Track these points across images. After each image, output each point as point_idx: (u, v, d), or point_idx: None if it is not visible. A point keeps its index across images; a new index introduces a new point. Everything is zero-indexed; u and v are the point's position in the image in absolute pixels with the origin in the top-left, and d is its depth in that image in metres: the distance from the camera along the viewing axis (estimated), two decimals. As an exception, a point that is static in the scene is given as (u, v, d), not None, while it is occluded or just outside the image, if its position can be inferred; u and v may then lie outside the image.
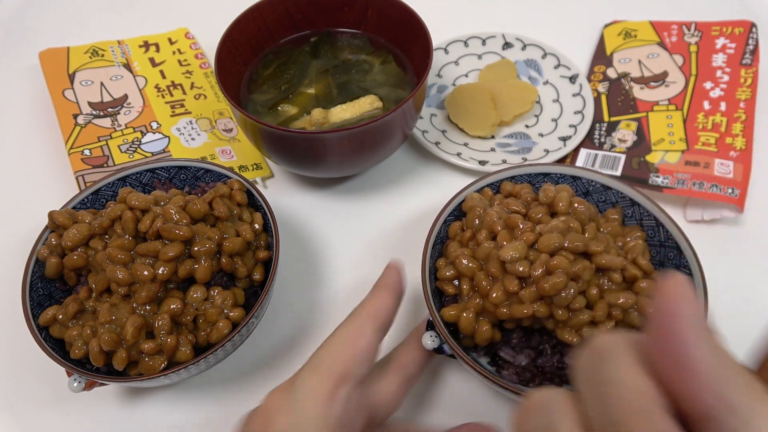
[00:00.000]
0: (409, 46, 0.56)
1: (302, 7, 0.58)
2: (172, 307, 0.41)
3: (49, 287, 0.45)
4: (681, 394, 0.21)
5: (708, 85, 0.62)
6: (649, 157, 0.57)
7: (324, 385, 0.35)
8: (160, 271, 0.41)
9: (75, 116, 0.60)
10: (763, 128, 0.59)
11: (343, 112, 0.53)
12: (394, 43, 0.58)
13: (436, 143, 0.58)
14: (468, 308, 0.42)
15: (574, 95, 0.62)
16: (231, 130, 0.62)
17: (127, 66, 0.65)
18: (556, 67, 0.65)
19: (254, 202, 0.48)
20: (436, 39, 0.67)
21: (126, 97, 0.63)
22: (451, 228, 0.46)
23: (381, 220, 0.56)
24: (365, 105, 0.54)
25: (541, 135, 0.60)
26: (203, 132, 0.60)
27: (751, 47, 0.64)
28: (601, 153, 0.58)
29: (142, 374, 0.40)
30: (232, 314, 0.42)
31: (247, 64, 0.57)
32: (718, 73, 0.63)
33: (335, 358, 0.36)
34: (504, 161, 0.57)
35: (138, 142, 0.59)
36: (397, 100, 0.55)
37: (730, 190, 0.53)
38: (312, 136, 0.46)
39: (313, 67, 0.58)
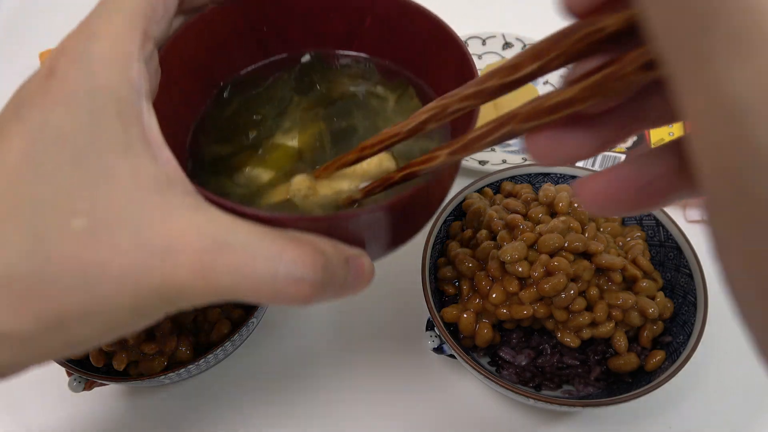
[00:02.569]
0: (433, 71, 0.38)
1: (270, 16, 0.37)
2: (172, 307, 0.41)
3: (49, 287, 0.45)
4: None
5: (708, 85, 0.62)
6: (649, 157, 0.57)
7: (126, 35, 0.27)
8: (160, 272, 0.41)
9: (75, 116, 0.60)
10: (763, 128, 0.59)
11: (338, 181, 0.36)
12: (405, 66, 0.40)
13: (436, 143, 0.59)
14: (468, 308, 0.42)
15: (574, 95, 0.62)
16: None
17: (127, 66, 0.65)
18: (556, 67, 0.65)
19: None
20: (436, 39, 0.67)
21: (126, 97, 0.63)
22: (451, 228, 0.46)
23: (381, 220, 0.56)
24: (371, 167, 0.36)
25: (541, 135, 0.60)
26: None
27: (751, 47, 0.64)
28: (601, 153, 0.58)
29: (142, 374, 0.40)
30: (232, 314, 0.42)
31: (193, 106, 0.37)
32: (718, 73, 0.63)
33: (131, 8, 0.28)
34: (504, 161, 0.57)
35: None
36: (422, 153, 0.33)
37: (730, 190, 0.54)
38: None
39: (295, 105, 0.39)
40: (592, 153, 0.24)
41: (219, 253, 0.25)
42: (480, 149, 0.26)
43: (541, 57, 0.22)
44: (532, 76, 0.23)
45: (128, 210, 0.25)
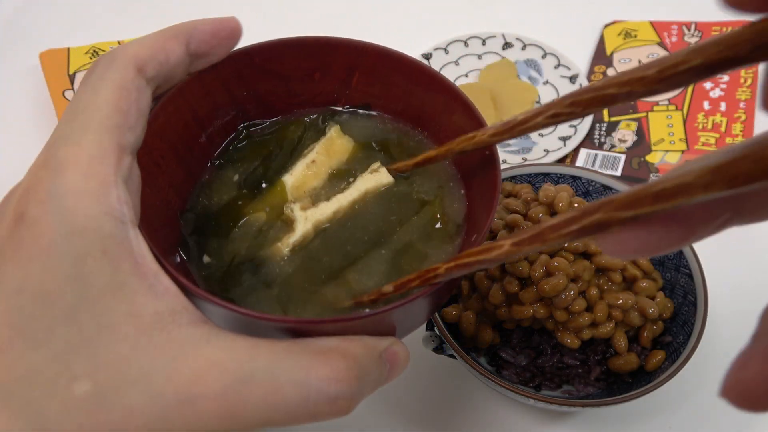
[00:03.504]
0: (433, 120, 0.35)
1: (248, 79, 0.35)
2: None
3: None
4: None
5: (708, 85, 0.62)
6: (649, 158, 0.57)
7: (99, 159, 0.24)
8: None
9: (75, 116, 0.60)
10: (763, 128, 0.59)
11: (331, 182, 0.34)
12: (401, 117, 0.37)
13: (436, 143, 0.59)
14: (468, 308, 0.42)
15: (574, 95, 0.62)
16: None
17: (127, 66, 0.65)
18: (556, 67, 0.65)
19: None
20: (437, 39, 0.67)
21: (126, 97, 0.63)
22: (451, 228, 0.46)
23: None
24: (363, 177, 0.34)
25: (541, 135, 0.60)
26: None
27: (751, 47, 0.64)
28: (601, 153, 0.58)
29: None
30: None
31: (177, 186, 0.33)
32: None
33: (101, 122, 0.25)
34: (504, 161, 0.57)
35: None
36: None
37: (730, 190, 0.54)
38: (297, 326, 0.27)
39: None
40: (674, 247, 0.20)
41: (243, 389, 0.23)
42: (556, 243, 0.22)
43: (704, 53, 0.18)
44: (693, 75, 0.18)
45: (134, 360, 0.22)
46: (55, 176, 0.23)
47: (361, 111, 0.37)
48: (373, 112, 0.37)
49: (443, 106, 0.34)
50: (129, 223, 0.24)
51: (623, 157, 0.57)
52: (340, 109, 0.37)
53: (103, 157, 0.24)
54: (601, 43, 0.68)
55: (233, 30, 0.31)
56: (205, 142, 0.35)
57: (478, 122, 0.32)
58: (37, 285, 0.22)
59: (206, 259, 0.32)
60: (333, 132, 0.36)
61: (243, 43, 0.33)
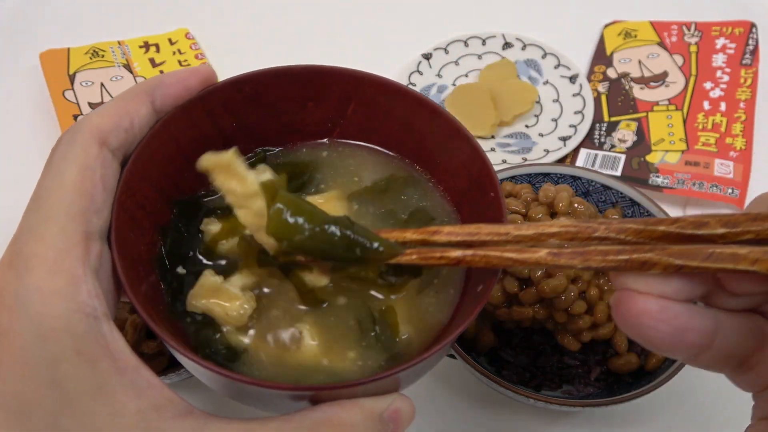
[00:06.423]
0: (431, 155, 0.35)
1: (237, 110, 0.33)
2: (172, 307, 0.41)
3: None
4: None
5: (708, 85, 0.62)
6: (649, 157, 0.57)
7: (65, 252, 0.23)
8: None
9: (75, 117, 0.60)
10: (763, 128, 0.59)
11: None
12: (399, 151, 0.36)
13: (436, 143, 0.59)
14: (468, 308, 0.42)
15: (574, 95, 0.62)
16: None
17: (128, 66, 0.65)
18: (556, 67, 0.65)
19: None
20: (437, 39, 0.67)
21: (126, 97, 0.63)
22: (451, 228, 0.46)
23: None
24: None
25: (541, 135, 0.60)
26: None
27: (751, 47, 0.64)
28: (601, 153, 0.58)
29: (142, 374, 0.40)
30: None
31: (158, 223, 0.31)
32: (718, 74, 0.63)
33: (65, 210, 0.24)
34: (504, 161, 0.57)
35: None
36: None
37: (730, 191, 0.54)
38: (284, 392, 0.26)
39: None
40: (694, 298, 0.22)
41: None
42: (596, 266, 0.22)
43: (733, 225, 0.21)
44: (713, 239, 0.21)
45: None
46: (22, 277, 0.23)
47: (357, 143, 0.36)
48: (372, 146, 0.36)
49: (444, 140, 0.33)
50: (102, 317, 0.23)
51: (623, 157, 0.57)
52: (339, 141, 0.36)
53: (69, 250, 0.23)
54: (601, 43, 0.68)
55: (205, 78, 0.30)
56: (191, 175, 0.32)
57: (480, 158, 0.31)
58: (15, 396, 0.22)
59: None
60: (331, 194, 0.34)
61: (239, 64, 0.31)
